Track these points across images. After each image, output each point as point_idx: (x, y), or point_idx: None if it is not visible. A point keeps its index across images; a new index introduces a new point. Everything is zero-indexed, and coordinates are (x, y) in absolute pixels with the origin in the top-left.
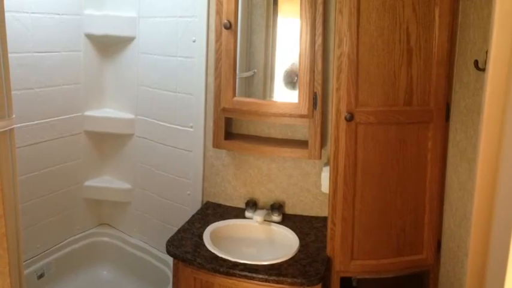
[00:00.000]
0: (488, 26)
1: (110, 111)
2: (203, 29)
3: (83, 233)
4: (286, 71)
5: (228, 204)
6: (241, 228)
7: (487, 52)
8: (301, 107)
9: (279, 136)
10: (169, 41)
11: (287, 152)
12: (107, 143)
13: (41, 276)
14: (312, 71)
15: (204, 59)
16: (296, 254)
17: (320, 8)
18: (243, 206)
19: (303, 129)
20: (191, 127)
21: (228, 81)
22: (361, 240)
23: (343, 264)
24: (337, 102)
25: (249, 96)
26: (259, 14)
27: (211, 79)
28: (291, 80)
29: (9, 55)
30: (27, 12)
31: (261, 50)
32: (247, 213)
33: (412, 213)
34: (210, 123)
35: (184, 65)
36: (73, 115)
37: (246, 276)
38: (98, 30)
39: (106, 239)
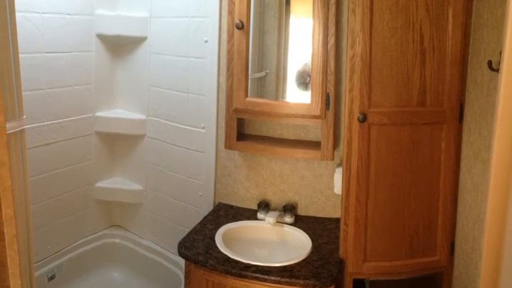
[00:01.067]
0: (502, 26)
1: (121, 112)
2: (215, 29)
3: (94, 235)
4: (298, 71)
5: (240, 205)
6: (254, 230)
7: (500, 52)
8: (314, 107)
9: (292, 137)
10: (181, 41)
11: (299, 153)
12: (118, 144)
13: (52, 278)
14: (325, 71)
15: (216, 60)
16: (308, 256)
17: (333, 8)
18: (255, 207)
19: (315, 130)
20: (203, 128)
21: (240, 82)
22: (374, 242)
23: (356, 266)
24: (350, 103)
25: (261, 96)
26: (272, 14)
27: (223, 79)
28: (304, 80)
29: (20, 55)
30: (38, 12)
31: (273, 51)
32: (260, 215)
33: (425, 215)
34: (222, 124)
35: (196, 66)
36: (84, 116)
37: (258, 278)
38: (110, 31)
39: (117, 240)
